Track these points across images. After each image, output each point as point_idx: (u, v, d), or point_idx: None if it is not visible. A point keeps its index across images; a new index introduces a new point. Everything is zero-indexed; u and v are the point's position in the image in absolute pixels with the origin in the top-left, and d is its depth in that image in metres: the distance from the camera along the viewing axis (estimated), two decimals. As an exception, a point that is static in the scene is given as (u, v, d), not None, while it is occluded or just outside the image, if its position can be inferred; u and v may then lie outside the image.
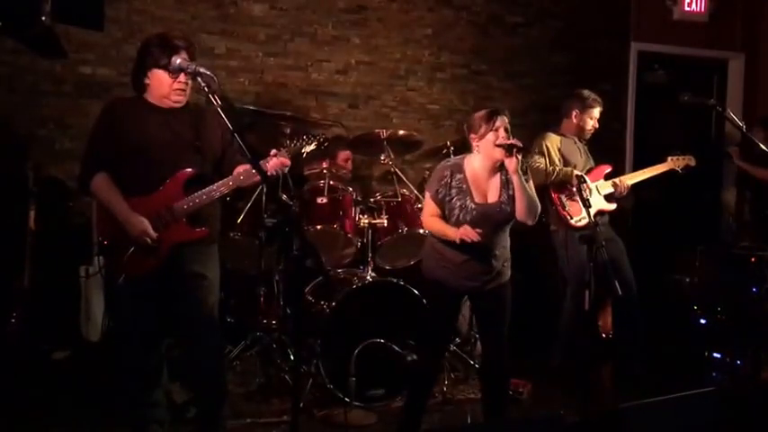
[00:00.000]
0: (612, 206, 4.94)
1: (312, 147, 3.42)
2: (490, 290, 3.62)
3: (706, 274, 5.41)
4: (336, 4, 5.97)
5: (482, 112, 3.55)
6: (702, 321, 5.29)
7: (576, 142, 5.01)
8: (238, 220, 4.66)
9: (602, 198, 4.92)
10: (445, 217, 3.58)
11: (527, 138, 5.11)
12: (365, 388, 4.25)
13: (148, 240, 3.16)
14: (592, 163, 5.04)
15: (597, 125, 5.01)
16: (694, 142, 5.23)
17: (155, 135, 3.21)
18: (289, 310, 4.79)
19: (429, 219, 3.62)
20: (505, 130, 3.50)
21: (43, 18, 4.29)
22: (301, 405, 3.98)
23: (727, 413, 2.90)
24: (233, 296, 5.12)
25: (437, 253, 3.61)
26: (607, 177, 4.97)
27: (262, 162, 3.17)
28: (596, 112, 4.98)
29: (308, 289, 4.72)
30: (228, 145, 3.35)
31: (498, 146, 3.46)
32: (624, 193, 4.99)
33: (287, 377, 4.48)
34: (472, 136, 3.56)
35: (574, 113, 4.97)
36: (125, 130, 3.20)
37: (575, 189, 4.85)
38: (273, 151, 3.27)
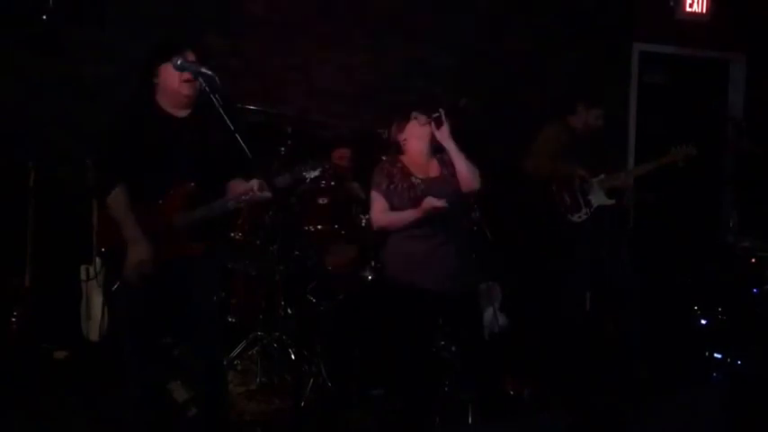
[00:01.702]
0: (612, 201, 4.94)
1: (316, 173, 3.45)
2: (460, 296, 3.61)
3: (706, 274, 5.41)
4: (338, 4, 5.97)
5: (396, 116, 3.73)
6: (703, 322, 5.29)
7: (579, 138, 4.99)
8: (239, 220, 4.66)
9: (603, 194, 4.91)
10: (392, 207, 3.61)
11: (527, 138, 5.14)
12: (365, 388, 4.25)
13: (137, 276, 3.12)
14: (594, 160, 5.01)
15: (601, 123, 5.02)
16: (695, 143, 5.22)
17: (163, 144, 3.19)
18: (289, 310, 4.80)
19: (381, 214, 3.64)
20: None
21: (45, 17, 4.32)
22: (302, 404, 3.99)
23: (728, 414, 2.90)
24: (234, 296, 5.12)
25: (399, 253, 3.62)
26: (608, 173, 4.97)
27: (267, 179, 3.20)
28: (600, 109, 4.98)
29: (308, 289, 4.72)
30: (230, 157, 3.34)
31: (424, 124, 3.58)
32: (625, 188, 4.98)
33: (287, 377, 4.48)
34: (399, 135, 3.68)
35: (578, 110, 4.98)
36: (137, 137, 3.17)
37: (576, 185, 4.86)
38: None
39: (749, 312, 5.06)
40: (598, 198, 4.88)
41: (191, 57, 3.16)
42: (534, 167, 4.84)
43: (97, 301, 4.67)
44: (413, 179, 3.62)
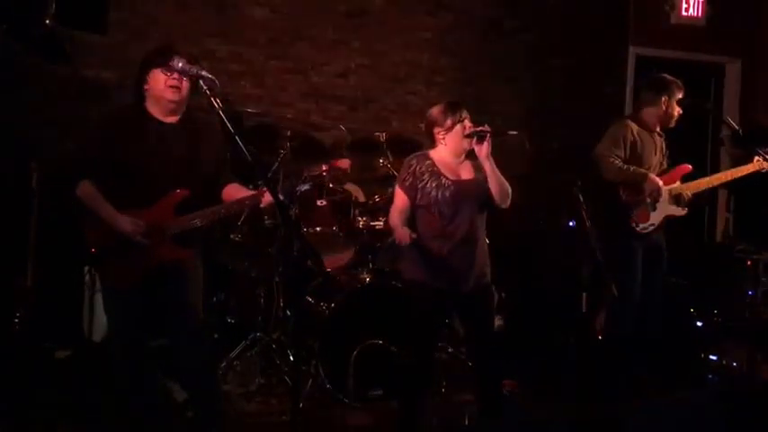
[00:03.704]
0: (683, 211, 4.57)
1: (306, 187, 3.47)
2: (474, 291, 3.60)
3: (703, 276, 5.43)
4: (337, 8, 6.01)
5: (443, 106, 3.66)
6: (699, 324, 5.32)
7: (653, 136, 4.62)
8: (239, 222, 4.70)
9: (673, 203, 4.55)
10: (416, 205, 3.59)
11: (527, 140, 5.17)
12: (364, 388, 4.28)
13: (140, 236, 3.14)
14: (667, 162, 4.68)
15: (681, 111, 4.64)
16: (692, 146, 5.24)
17: (153, 151, 3.20)
18: (288, 311, 4.83)
19: (395, 212, 3.61)
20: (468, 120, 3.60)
21: (47, 21, 4.34)
22: (300, 405, 4.00)
23: (724, 415, 2.93)
24: (233, 297, 5.14)
25: (419, 249, 3.57)
26: (685, 179, 4.60)
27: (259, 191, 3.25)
28: (681, 96, 4.60)
29: (307, 290, 4.75)
30: (222, 164, 3.40)
31: (468, 136, 3.54)
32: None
33: (286, 377, 4.50)
34: (437, 129, 3.62)
35: (663, 100, 4.52)
36: (124, 143, 3.18)
37: (647, 193, 4.46)
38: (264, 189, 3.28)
39: (745, 315, 5.09)
40: (666, 208, 4.53)
41: (185, 61, 3.16)
42: (607, 165, 4.40)
43: (100, 300, 4.68)
44: (443, 179, 3.56)
